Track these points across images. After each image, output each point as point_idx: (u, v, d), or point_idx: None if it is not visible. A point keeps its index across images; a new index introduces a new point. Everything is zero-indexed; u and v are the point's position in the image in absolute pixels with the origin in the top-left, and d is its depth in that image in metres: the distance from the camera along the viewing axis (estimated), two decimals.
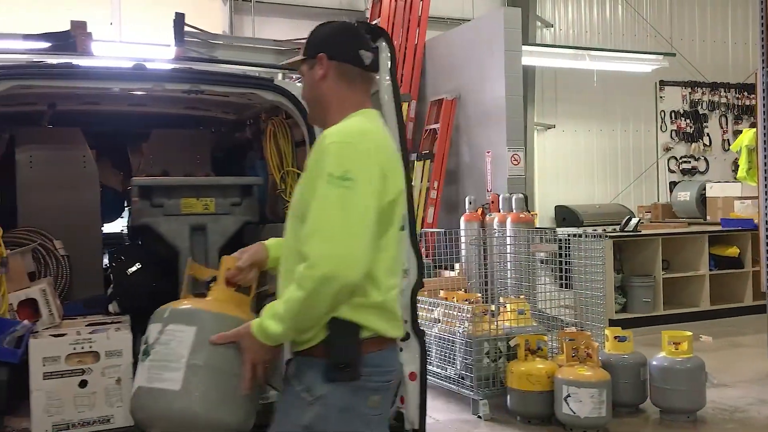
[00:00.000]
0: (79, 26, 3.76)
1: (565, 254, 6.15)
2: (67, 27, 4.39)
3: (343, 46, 2.27)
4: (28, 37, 3.88)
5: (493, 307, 5.74)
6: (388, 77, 3.21)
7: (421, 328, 3.24)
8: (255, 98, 3.98)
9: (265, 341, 2.05)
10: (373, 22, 9.95)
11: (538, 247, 6.06)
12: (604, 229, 8.36)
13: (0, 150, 4.01)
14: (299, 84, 4.07)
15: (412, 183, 6.62)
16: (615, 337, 5.46)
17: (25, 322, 3.61)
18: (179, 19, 3.81)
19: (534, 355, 5.31)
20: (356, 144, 2.04)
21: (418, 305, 3.35)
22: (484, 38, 9.10)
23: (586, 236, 6.49)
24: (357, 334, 2.04)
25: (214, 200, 3.88)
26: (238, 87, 3.87)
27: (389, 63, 3.20)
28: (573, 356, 5.14)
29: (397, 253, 2.15)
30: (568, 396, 4.97)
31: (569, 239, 6.33)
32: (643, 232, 8.96)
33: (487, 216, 8.00)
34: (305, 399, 2.05)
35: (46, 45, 3.82)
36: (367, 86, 2.30)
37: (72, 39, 3.72)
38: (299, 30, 10.42)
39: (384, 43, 3.20)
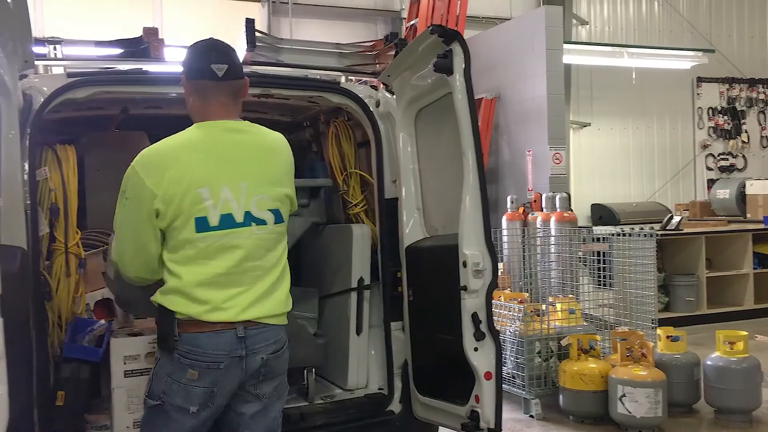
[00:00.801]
0: (151, 32, 3.83)
1: (608, 253, 6.15)
2: (124, 32, 4.49)
3: (193, 64, 2.56)
4: (100, 43, 3.95)
5: (543, 307, 5.76)
6: (461, 78, 3.24)
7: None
8: (320, 100, 4.04)
9: None
10: (410, 23, 9.99)
11: (589, 246, 6.05)
12: (651, 227, 8.31)
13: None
14: (361, 86, 4.14)
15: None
16: (668, 337, 5.46)
17: (102, 321, 3.70)
18: (250, 25, 3.86)
19: (586, 354, 5.33)
20: (134, 165, 2.50)
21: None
22: (524, 37, 9.09)
23: (631, 235, 6.49)
24: (169, 315, 2.47)
25: None
26: (306, 90, 3.93)
27: (463, 64, 3.23)
28: (627, 356, 5.15)
29: (192, 250, 2.45)
30: (624, 396, 4.99)
31: (615, 238, 6.32)
32: (685, 230, 8.91)
33: (529, 215, 8.00)
34: (155, 358, 2.61)
35: (119, 51, 3.90)
36: (223, 95, 2.55)
37: (145, 45, 3.80)
38: (336, 31, 10.51)
39: (458, 46, 3.24)
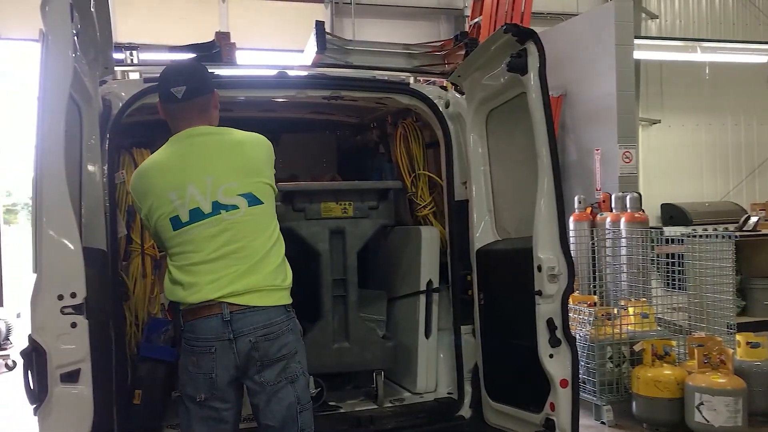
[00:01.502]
0: (223, 37, 3.88)
1: (681, 255, 5.94)
2: (194, 36, 4.56)
3: (159, 89, 2.83)
4: (174, 48, 4.02)
5: (614, 310, 5.61)
6: (536, 77, 3.17)
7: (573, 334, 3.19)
8: (389, 102, 4.02)
9: None
10: (474, 21, 9.88)
11: (664, 248, 5.85)
12: (726, 228, 8.00)
13: None
14: (430, 87, 4.10)
15: None
16: (747, 343, 5.24)
17: None
18: (320, 28, 3.88)
19: (661, 360, 5.16)
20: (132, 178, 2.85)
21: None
22: (592, 32, 8.86)
23: (707, 236, 6.25)
24: (176, 308, 2.70)
25: (353, 204, 3.94)
26: (375, 92, 3.92)
27: (538, 64, 3.16)
28: (705, 362, 4.96)
29: (176, 245, 2.67)
30: (701, 404, 4.81)
31: (690, 239, 6.10)
32: (763, 231, 8.54)
33: (598, 216, 7.80)
34: None
35: (192, 56, 3.96)
36: (187, 114, 2.76)
37: (217, 49, 3.85)
38: (398, 30, 10.49)
39: (533, 45, 3.17)
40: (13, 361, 7.52)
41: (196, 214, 2.64)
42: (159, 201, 2.67)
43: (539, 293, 3.15)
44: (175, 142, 2.78)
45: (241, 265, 2.62)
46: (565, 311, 3.15)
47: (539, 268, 3.15)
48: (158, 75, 3.59)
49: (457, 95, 3.93)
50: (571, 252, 6.85)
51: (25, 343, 2.44)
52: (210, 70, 3.83)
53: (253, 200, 2.69)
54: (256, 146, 2.80)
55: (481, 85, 3.68)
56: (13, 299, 9.29)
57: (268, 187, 2.76)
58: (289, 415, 2.65)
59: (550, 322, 3.14)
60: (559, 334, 3.13)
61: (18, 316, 8.37)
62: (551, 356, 3.13)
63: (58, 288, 2.38)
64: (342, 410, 3.90)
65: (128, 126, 3.70)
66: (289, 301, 2.72)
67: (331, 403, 3.95)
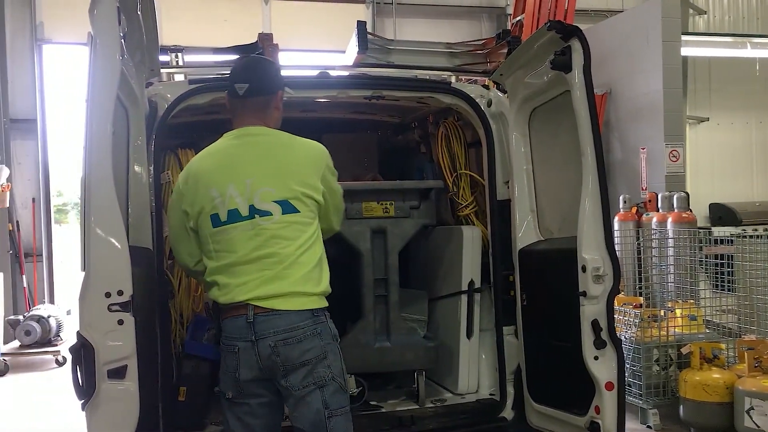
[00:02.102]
0: (266, 38, 3.91)
1: (731, 256, 5.78)
2: (236, 38, 4.61)
3: (228, 83, 2.83)
4: (217, 50, 4.07)
5: (661, 312, 5.50)
6: (580, 75, 3.12)
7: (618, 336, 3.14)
8: (431, 101, 4.01)
9: None
10: (516, 19, 9.80)
11: (713, 249, 5.71)
12: None
13: None
14: (472, 86, 4.07)
15: None
16: None
17: None
18: (361, 27, 3.88)
19: (709, 363, 5.04)
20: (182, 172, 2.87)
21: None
22: (638, 29, 8.71)
23: (759, 237, 6.07)
24: (215, 307, 2.75)
25: (394, 204, 3.94)
26: (416, 91, 3.91)
27: (582, 61, 3.11)
28: (755, 366, 4.83)
29: (214, 243, 2.69)
30: (752, 409, 4.69)
31: (740, 240, 5.93)
32: None
33: (644, 215, 7.64)
34: None
35: (235, 57, 4.00)
36: (246, 111, 2.78)
37: (260, 51, 3.88)
38: (440, 29, 10.46)
39: (577, 42, 3.12)
40: (63, 357, 7.72)
41: (234, 216, 2.65)
42: (202, 197, 2.70)
43: (584, 294, 3.10)
44: (227, 138, 2.81)
45: (270, 270, 2.62)
46: (611, 312, 3.10)
47: (584, 269, 3.10)
48: (203, 76, 3.69)
49: (500, 94, 3.89)
50: (617, 253, 6.79)
51: (74, 340, 2.51)
52: None
53: (288, 208, 2.67)
54: (304, 154, 2.77)
55: (524, 84, 3.63)
56: (63, 297, 9.56)
57: (307, 198, 2.71)
58: (317, 421, 2.62)
59: (595, 324, 3.09)
60: (604, 335, 3.08)
61: (68, 313, 8.58)
62: (596, 358, 3.08)
63: (105, 286, 2.43)
64: (383, 410, 3.90)
65: (174, 127, 3.76)
66: (318, 305, 2.68)
67: (372, 403, 3.95)
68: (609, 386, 3.06)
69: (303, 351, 2.60)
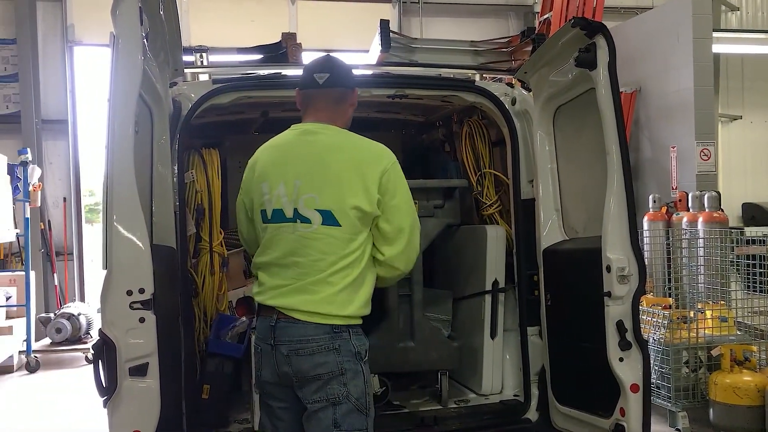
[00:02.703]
0: (289, 38, 3.92)
1: (763, 257, 5.64)
2: (262, 38, 4.63)
3: (302, 76, 2.78)
4: (242, 50, 4.10)
5: (691, 313, 5.40)
6: (605, 72, 3.08)
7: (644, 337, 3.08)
8: (455, 99, 3.98)
9: None
10: (544, 17, 9.69)
11: (744, 249, 5.59)
12: None
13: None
14: (496, 84, 4.03)
15: None
16: None
17: (243, 318, 3.83)
18: (384, 26, 3.87)
19: (740, 366, 4.94)
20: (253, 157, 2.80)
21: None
22: (668, 26, 8.56)
23: None
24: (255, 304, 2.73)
25: (418, 203, 3.91)
26: (440, 89, 3.88)
27: (607, 58, 3.06)
28: None
29: (262, 239, 2.68)
30: None
31: None
32: None
33: (674, 215, 7.51)
34: None
35: (259, 57, 4.03)
36: (321, 102, 2.70)
37: (283, 50, 3.89)
38: (466, 28, 10.39)
39: (602, 39, 3.08)
40: (93, 354, 7.81)
41: (278, 216, 2.60)
42: (257, 189, 2.68)
43: (608, 294, 3.05)
44: (291, 132, 2.73)
45: (299, 281, 2.55)
46: (636, 313, 3.04)
47: (608, 269, 3.05)
48: (227, 76, 3.71)
49: (524, 92, 3.85)
50: (645, 253, 6.69)
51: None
52: (276, 71, 3.92)
53: (329, 219, 2.53)
54: (359, 158, 2.58)
55: (549, 82, 3.59)
56: (94, 295, 9.70)
57: (354, 210, 2.53)
58: None
59: (620, 325, 3.03)
60: (629, 337, 3.02)
61: (98, 311, 8.70)
62: (621, 360, 3.03)
63: (126, 284, 2.45)
64: (406, 410, 3.88)
65: (198, 126, 3.78)
66: (341, 323, 2.54)
67: (395, 403, 3.93)
68: (634, 388, 3.01)
69: (315, 364, 2.51)
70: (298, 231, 2.56)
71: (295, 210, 2.57)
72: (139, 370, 2.46)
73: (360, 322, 2.61)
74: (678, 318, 5.27)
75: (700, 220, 6.98)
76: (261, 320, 2.65)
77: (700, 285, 6.21)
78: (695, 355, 5.20)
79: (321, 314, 2.52)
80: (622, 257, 3.04)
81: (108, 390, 2.45)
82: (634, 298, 3.04)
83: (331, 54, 2.82)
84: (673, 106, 8.46)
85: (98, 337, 2.48)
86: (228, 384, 3.64)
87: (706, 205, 7.06)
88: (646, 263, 6.68)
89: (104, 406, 2.46)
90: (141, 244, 2.48)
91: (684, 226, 7.07)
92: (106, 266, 2.43)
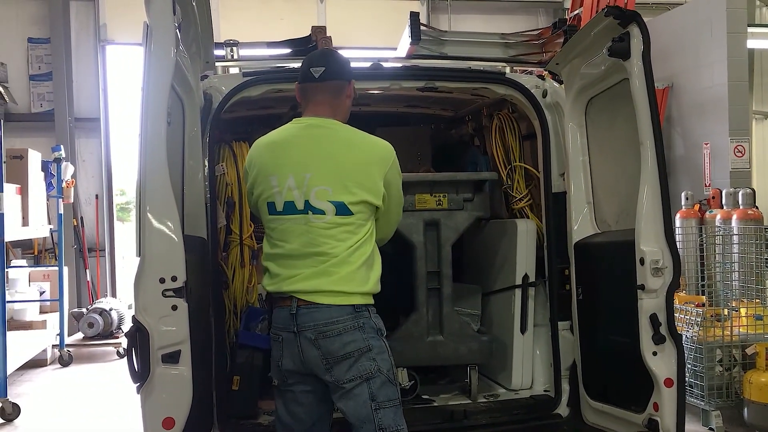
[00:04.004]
0: (319, 31, 3.93)
1: None
2: (291, 35, 4.62)
3: (300, 70, 2.81)
4: (271, 44, 4.11)
5: (725, 311, 5.30)
6: (639, 62, 3.03)
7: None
8: (485, 92, 3.95)
9: None
10: (574, 13, 9.59)
11: None
12: None
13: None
14: (527, 77, 4.00)
15: None
16: None
17: None
18: (414, 18, 3.86)
19: None
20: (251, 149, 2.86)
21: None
22: (701, 21, 8.43)
23: None
24: (268, 296, 2.83)
25: (447, 196, 3.90)
26: (471, 82, 3.86)
27: (642, 47, 3.01)
28: None
29: (272, 231, 2.71)
30: None
31: None
32: None
33: (707, 213, 7.38)
34: None
35: (288, 51, 4.03)
36: (319, 95, 2.76)
37: (313, 44, 3.90)
38: (496, 25, 10.31)
39: (636, 28, 3.03)
40: (124, 349, 7.90)
41: (289, 208, 2.65)
42: (262, 181, 2.71)
43: (642, 288, 3.01)
44: (294, 126, 2.78)
45: (316, 266, 2.61)
46: (670, 307, 2.99)
47: (642, 261, 3.01)
48: (258, 69, 3.73)
49: (555, 84, 3.81)
50: (678, 250, 6.56)
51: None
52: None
53: (342, 210, 2.63)
54: (368, 153, 2.70)
55: (581, 73, 3.55)
56: (125, 291, 9.82)
57: (363, 203, 2.65)
58: (365, 414, 2.60)
59: (653, 318, 2.99)
60: (663, 330, 2.97)
61: (129, 307, 8.81)
62: (655, 354, 2.98)
63: (159, 272, 2.47)
64: (435, 404, 3.87)
65: (228, 119, 3.80)
66: (361, 302, 2.65)
67: (424, 397, 3.92)
68: (668, 383, 2.96)
69: (344, 344, 2.59)
70: (310, 222, 2.62)
71: (306, 202, 2.63)
72: (172, 357, 2.48)
73: (373, 301, 2.75)
74: (712, 316, 5.18)
75: (734, 217, 6.84)
76: (279, 310, 2.68)
77: (734, 283, 6.10)
78: (729, 354, 5.11)
79: (343, 293, 2.61)
80: (656, 249, 2.99)
81: (141, 376, 2.47)
82: (668, 291, 3.00)
83: (329, 48, 2.98)
84: (707, 103, 8.33)
85: (131, 324, 2.50)
86: (258, 376, 3.65)
87: (740, 202, 6.92)
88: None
89: (137, 392, 2.49)
90: (174, 233, 2.50)
91: (717, 224, 6.95)
92: (139, 253, 2.46)
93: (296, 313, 2.60)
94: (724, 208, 7.12)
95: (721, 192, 7.35)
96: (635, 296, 3.05)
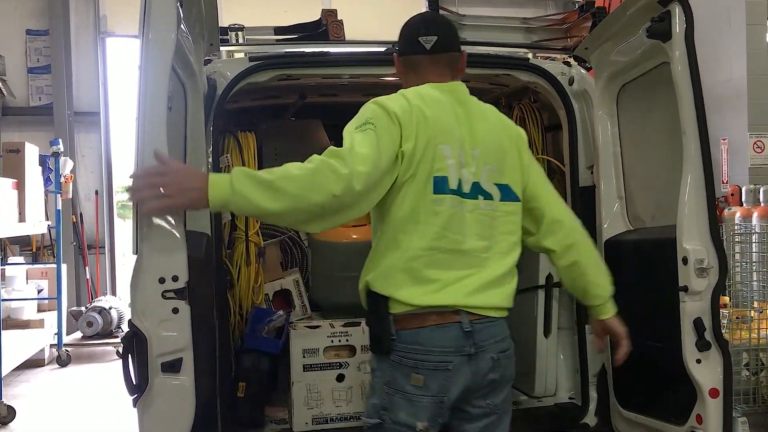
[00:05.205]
0: (330, 14, 3.70)
1: None
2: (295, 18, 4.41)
3: (403, 39, 2.34)
4: (279, 29, 3.88)
5: (752, 313, 5.07)
6: (681, 43, 2.78)
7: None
8: (507, 80, 3.72)
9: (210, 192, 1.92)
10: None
11: None
12: None
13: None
14: (551, 63, 3.76)
15: None
16: None
17: (280, 312, 3.61)
18: (434, 3, 3.63)
19: None
20: (380, 102, 2.12)
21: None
22: (719, 13, 8.18)
23: None
24: (385, 308, 2.08)
25: None
26: (492, 68, 3.62)
27: (685, 27, 2.77)
28: None
29: (424, 215, 2.08)
30: None
31: None
32: None
33: (725, 210, 7.15)
34: (370, 369, 2.22)
35: (297, 36, 3.81)
36: (437, 69, 2.28)
37: (323, 28, 3.67)
38: (504, 15, 10.10)
39: (678, 6, 2.79)
40: (122, 348, 7.70)
41: (461, 188, 2.12)
42: (432, 150, 2.09)
43: (685, 289, 2.76)
44: (433, 89, 2.22)
45: (490, 270, 2.15)
46: (716, 310, 2.75)
47: (685, 261, 2.76)
48: (264, 54, 3.49)
49: (583, 71, 3.57)
50: (724, 249, 6.31)
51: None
52: (317, 48, 3.71)
53: (508, 194, 2.21)
54: (515, 136, 2.32)
55: (613, 57, 3.31)
56: (125, 289, 9.61)
57: (519, 180, 2.26)
58: None
59: (698, 323, 2.74)
60: (708, 336, 2.73)
61: (129, 305, 8.61)
62: (699, 361, 2.74)
63: (159, 271, 2.21)
64: None
65: (233, 109, 3.57)
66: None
67: None
68: (713, 393, 2.72)
69: (513, 364, 2.27)
70: (479, 209, 2.15)
71: (475, 184, 2.15)
72: (172, 366, 2.22)
73: None
74: (737, 318, 4.94)
75: (755, 215, 6.62)
76: (441, 329, 2.08)
77: (753, 283, 5.87)
78: (756, 357, 4.88)
79: (507, 308, 2.24)
80: (701, 248, 2.75)
81: (138, 388, 2.22)
82: (714, 293, 2.75)
83: (435, 12, 2.50)
84: (724, 97, 8.08)
85: (128, 329, 2.25)
86: (265, 381, 3.43)
87: (761, 199, 6.71)
88: None
89: (134, 406, 2.24)
90: (175, 228, 2.24)
91: (737, 222, 6.73)
92: (136, 251, 2.21)
93: (472, 330, 2.10)
94: (744, 205, 6.89)
95: (740, 189, 7.12)
96: (673, 299, 2.81)
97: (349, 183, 1.92)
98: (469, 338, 2.09)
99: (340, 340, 3.40)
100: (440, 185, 2.08)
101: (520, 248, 2.27)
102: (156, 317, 2.21)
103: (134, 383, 2.22)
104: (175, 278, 2.22)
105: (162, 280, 2.21)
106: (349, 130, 2.07)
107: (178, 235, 2.25)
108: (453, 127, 2.14)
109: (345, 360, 3.39)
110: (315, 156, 1.98)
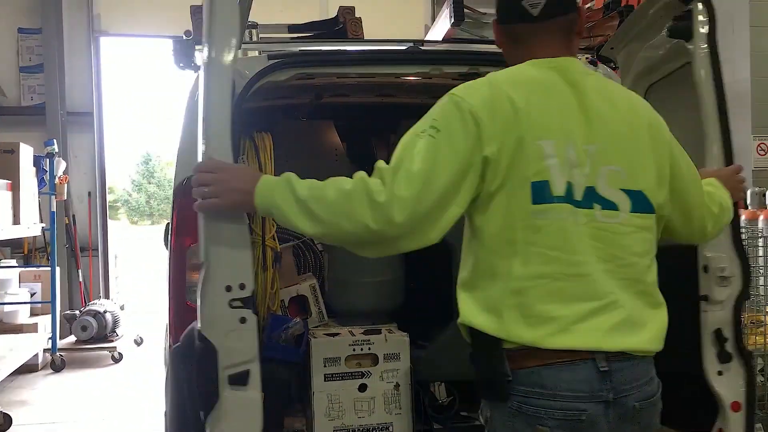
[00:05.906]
0: (347, 12, 3.60)
1: None
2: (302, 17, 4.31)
3: (502, 5, 1.94)
4: (293, 27, 3.77)
5: (765, 318, 5.01)
6: (704, 44, 2.70)
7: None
8: None
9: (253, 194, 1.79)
10: (587, 5, 9.31)
11: None
12: None
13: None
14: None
15: None
16: None
17: (297, 319, 3.49)
18: (458, 3, 3.54)
19: None
20: (457, 93, 1.76)
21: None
22: (723, 14, 8.02)
23: None
24: (494, 345, 1.71)
25: None
26: None
27: (707, 27, 2.69)
28: None
29: (524, 229, 1.69)
30: None
31: None
32: None
33: None
34: (483, 420, 1.83)
35: (312, 34, 3.71)
36: (545, 39, 1.86)
37: (341, 26, 3.56)
38: None
39: (699, 5, 2.72)
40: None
41: (571, 194, 1.70)
42: (527, 148, 1.69)
43: (705, 298, 2.66)
44: (534, 67, 1.82)
45: (626, 301, 1.73)
46: (738, 321, 2.65)
47: (706, 269, 2.66)
48: (283, 52, 3.37)
49: (609, 71, 3.48)
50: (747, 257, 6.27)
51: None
52: (338, 48, 3.59)
53: (642, 204, 1.78)
54: (651, 122, 1.90)
55: (639, 57, 3.23)
56: (119, 293, 9.45)
57: (663, 192, 1.85)
58: None
59: (718, 334, 2.63)
60: (729, 347, 2.62)
61: (122, 308, 8.45)
62: (720, 373, 2.63)
63: (226, 278, 2.06)
64: (476, 422, 3.52)
65: (248, 108, 3.44)
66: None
67: (463, 414, 3.59)
68: (735, 406, 2.61)
69: (658, 415, 1.85)
70: (597, 221, 1.71)
71: (591, 189, 1.72)
72: (240, 379, 2.08)
73: None
74: (752, 322, 4.88)
75: (761, 218, 6.60)
76: (569, 369, 1.67)
77: (761, 287, 5.83)
78: None
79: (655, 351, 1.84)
80: (723, 256, 2.65)
81: (208, 403, 2.06)
82: (737, 302, 2.64)
83: None
84: (728, 99, 8.05)
85: (198, 342, 2.08)
86: (284, 392, 3.30)
87: (767, 202, 6.69)
88: None
89: (203, 419, 2.06)
90: (240, 233, 2.10)
91: (743, 225, 6.69)
92: (204, 257, 2.06)
93: (609, 370, 1.70)
94: (749, 208, 6.86)
95: (745, 192, 7.09)
96: (692, 308, 2.70)
97: (386, 214, 1.63)
98: (606, 380, 1.69)
99: (362, 349, 3.28)
100: (541, 192, 1.67)
101: (656, 268, 1.88)
102: (224, 328, 2.07)
103: (203, 398, 2.07)
104: (242, 286, 2.09)
105: (229, 288, 2.08)
106: (405, 137, 1.75)
107: (243, 241, 2.12)
108: (557, 117, 1.73)
109: (367, 369, 3.28)
110: (359, 173, 1.74)
